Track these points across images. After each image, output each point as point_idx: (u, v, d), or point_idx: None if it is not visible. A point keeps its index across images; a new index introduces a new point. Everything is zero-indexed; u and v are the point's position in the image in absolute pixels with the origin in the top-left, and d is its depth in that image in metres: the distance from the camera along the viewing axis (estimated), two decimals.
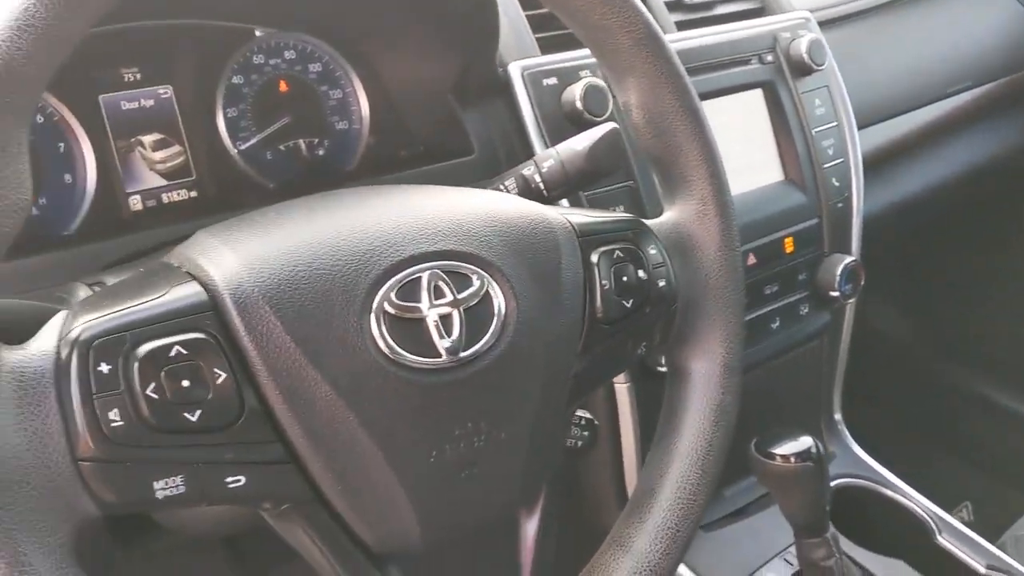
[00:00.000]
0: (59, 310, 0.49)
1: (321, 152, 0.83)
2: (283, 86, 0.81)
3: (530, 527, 0.53)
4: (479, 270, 0.49)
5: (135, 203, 0.74)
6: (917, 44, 1.19)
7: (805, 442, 0.77)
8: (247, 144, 0.79)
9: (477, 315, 0.48)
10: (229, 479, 0.43)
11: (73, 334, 0.41)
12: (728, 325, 0.59)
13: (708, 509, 0.59)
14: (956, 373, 1.65)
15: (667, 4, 0.94)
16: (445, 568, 0.50)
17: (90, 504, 0.41)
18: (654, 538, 0.56)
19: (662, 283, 0.57)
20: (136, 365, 0.41)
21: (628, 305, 0.55)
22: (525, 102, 0.78)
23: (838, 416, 1.06)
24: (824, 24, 1.03)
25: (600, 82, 0.79)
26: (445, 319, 0.47)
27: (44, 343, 0.41)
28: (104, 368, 0.41)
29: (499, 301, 0.49)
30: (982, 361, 1.63)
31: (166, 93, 0.76)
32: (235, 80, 0.79)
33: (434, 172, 0.77)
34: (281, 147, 0.81)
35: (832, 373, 1.04)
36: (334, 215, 0.49)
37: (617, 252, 0.55)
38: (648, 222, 0.59)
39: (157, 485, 0.42)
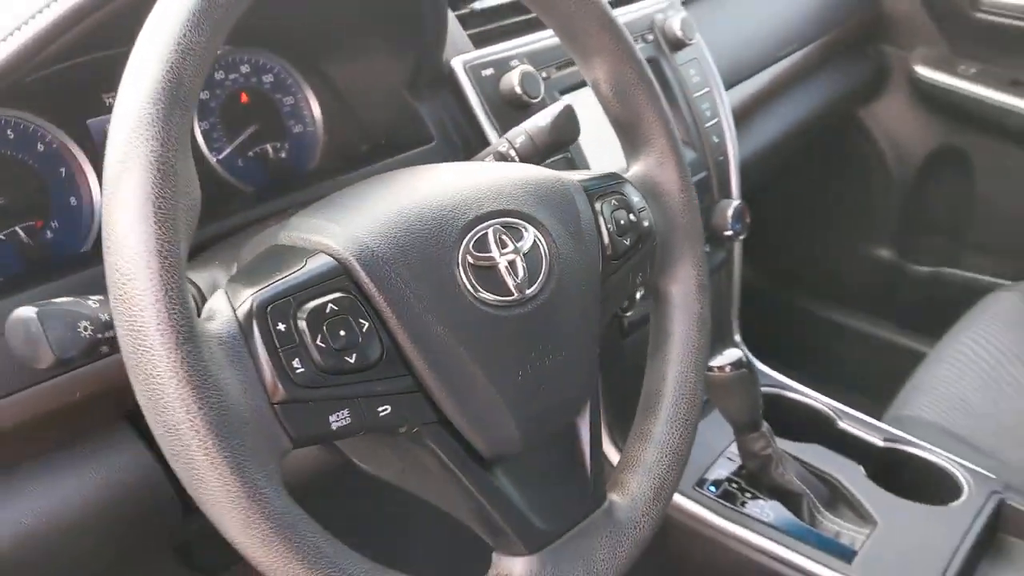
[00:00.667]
0: None
1: (283, 155, 0.91)
2: (244, 97, 0.89)
3: (584, 431, 0.65)
4: (526, 223, 0.60)
5: None
6: (750, 17, 1.38)
7: (735, 354, 0.93)
8: (223, 154, 0.86)
9: (532, 259, 0.60)
10: (379, 409, 0.53)
11: (247, 304, 0.50)
12: (695, 252, 0.73)
13: None
14: (808, 298, 1.91)
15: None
16: (535, 467, 0.62)
17: (286, 440, 0.49)
18: (670, 428, 0.69)
19: (647, 223, 0.70)
20: (304, 322, 0.50)
21: (628, 243, 0.68)
22: (471, 91, 0.90)
23: (738, 337, 1.24)
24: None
25: (532, 68, 0.92)
26: (511, 264, 0.58)
27: (224, 314, 0.50)
28: (281, 327, 0.50)
29: (544, 247, 0.61)
30: (831, 285, 1.90)
31: None
32: (203, 96, 0.86)
33: (400, 161, 0.86)
34: (250, 153, 0.88)
35: (730, 302, 1.22)
36: (403, 191, 0.60)
37: (613, 201, 0.68)
38: (623, 175, 0.72)
39: (332, 419, 0.51)
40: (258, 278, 0.52)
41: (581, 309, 0.63)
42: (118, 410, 0.72)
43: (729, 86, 1.21)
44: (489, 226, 0.59)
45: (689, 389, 0.71)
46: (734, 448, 1.02)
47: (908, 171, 1.82)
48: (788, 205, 1.84)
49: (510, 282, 0.58)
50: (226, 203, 0.85)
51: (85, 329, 0.53)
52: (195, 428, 0.45)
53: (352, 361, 0.52)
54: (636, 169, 0.73)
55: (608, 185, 0.69)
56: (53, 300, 0.53)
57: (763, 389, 1.14)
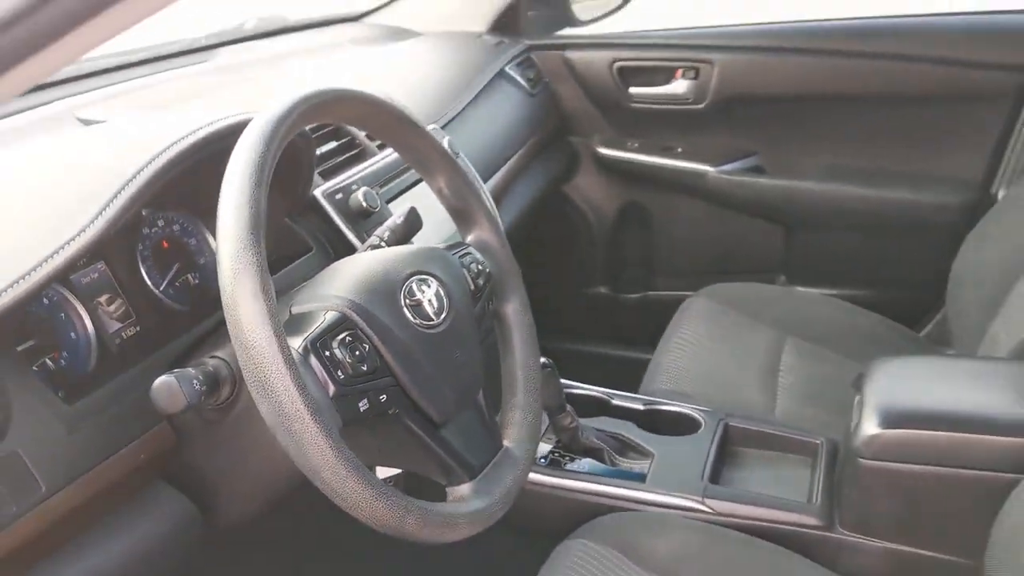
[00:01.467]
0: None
1: (197, 280, 1.18)
2: (164, 244, 1.15)
3: (480, 403, 0.99)
4: (430, 277, 0.95)
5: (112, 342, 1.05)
6: (484, 131, 1.80)
7: (543, 359, 1.31)
8: (161, 287, 1.12)
9: (438, 298, 0.94)
10: (380, 397, 0.84)
11: (303, 344, 0.80)
12: (518, 285, 1.10)
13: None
14: (548, 337, 2.34)
15: None
16: (463, 427, 0.94)
17: (340, 421, 0.80)
18: (527, 398, 1.04)
19: (488, 270, 1.06)
20: (337, 350, 0.81)
21: (481, 283, 1.03)
22: (331, 211, 1.22)
23: None
24: None
25: (370, 189, 1.26)
26: (430, 302, 0.92)
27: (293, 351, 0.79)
28: (327, 353, 0.80)
29: (443, 290, 0.95)
30: (563, 323, 2.34)
31: (102, 266, 1.06)
32: (140, 247, 1.12)
33: (290, 270, 1.16)
34: (177, 283, 1.15)
35: None
36: (356, 268, 0.92)
37: (468, 258, 1.04)
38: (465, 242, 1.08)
39: (359, 405, 0.82)
40: (301, 330, 0.82)
41: (468, 327, 0.97)
42: (154, 473, 0.97)
43: (484, 180, 1.62)
44: (412, 280, 0.92)
45: (533, 372, 1.07)
46: (550, 432, 1.39)
47: (606, 225, 2.32)
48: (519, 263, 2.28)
49: (431, 312, 0.92)
50: (166, 322, 1.11)
51: (196, 384, 0.80)
52: (300, 414, 0.74)
53: (365, 369, 0.83)
54: (472, 238, 1.09)
55: (463, 249, 1.05)
56: (174, 370, 0.80)
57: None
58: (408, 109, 1.01)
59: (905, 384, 1.24)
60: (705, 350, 1.71)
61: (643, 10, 2.25)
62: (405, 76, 1.81)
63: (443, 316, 0.93)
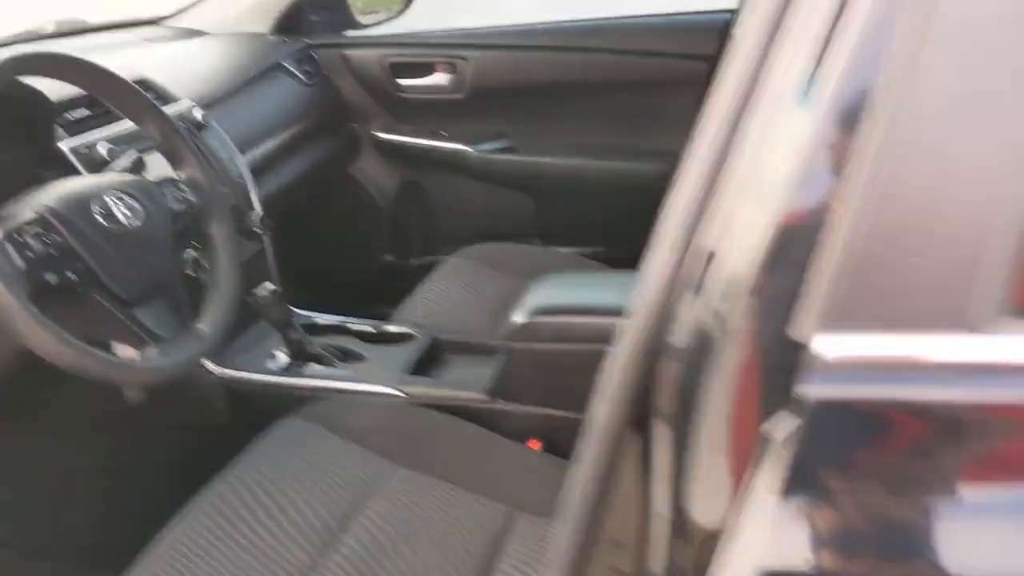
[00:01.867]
0: None
1: None
2: None
3: (175, 294, 1.23)
4: (125, 195, 1.18)
5: None
6: (254, 110, 2.04)
7: (269, 286, 1.56)
8: None
9: (132, 210, 1.18)
10: (68, 275, 1.08)
11: (1, 234, 1.03)
12: (221, 212, 1.34)
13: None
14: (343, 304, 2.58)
15: None
16: (154, 310, 1.18)
17: (27, 286, 1.03)
18: (224, 293, 1.29)
19: (192, 199, 1.30)
20: (29, 239, 1.04)
21: (183, 209, 1.28)
22: (74, 160, 1.42)
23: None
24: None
25: (114, 146, 1.48)
26: (123, 213, 1.16)
27: None
28: (20, 240, 1.03)
29: (137, 204, 1.19)
30: (356, 290, 2.59)
31: None
32: None
33: None
34: None
35: (267, 268, 1.84)
36: (57, 186, 1.15)
37: (173, 187, 1.28)
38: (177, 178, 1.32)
39: (46, 276, 1.05)
40: (3, 226, 1.05)
41: (161, 237, 1.22)
42: None
43: (244, 149, 1.85)
44: (107, 194, 1.16)
45: (232, 280, 1.32)
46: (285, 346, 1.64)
47: (389, 202, 2.58)
48: (316, 237, 2.52)
49: (122, 219, 1.16)
50: None
51: None
52: None
53: (54, 253, 1.07)
54: (182, 175, 1.33)
55: (168, 181, 1.29)
56: None
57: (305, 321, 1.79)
58: (108, 67, 1.25)
59: (545, 288, 1.54)
60: (448, 295, 1.97)
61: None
62: (186, 66, 2.03)
63: (133, 223, 1.17)
